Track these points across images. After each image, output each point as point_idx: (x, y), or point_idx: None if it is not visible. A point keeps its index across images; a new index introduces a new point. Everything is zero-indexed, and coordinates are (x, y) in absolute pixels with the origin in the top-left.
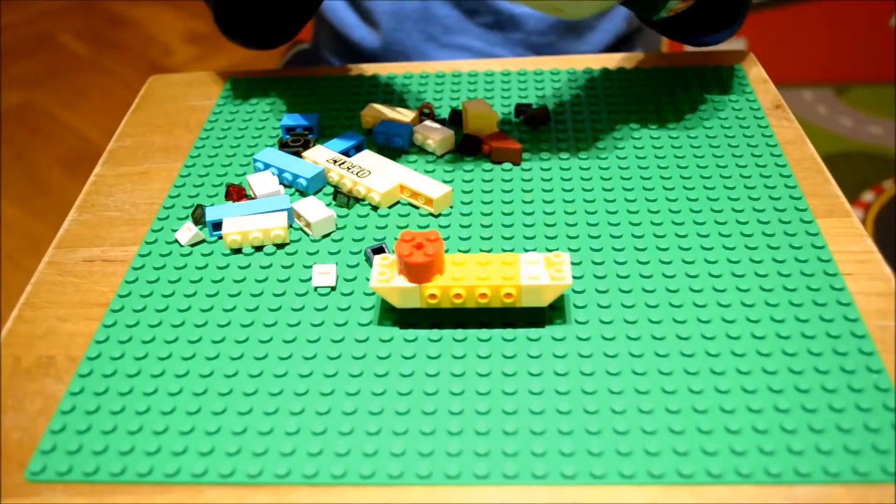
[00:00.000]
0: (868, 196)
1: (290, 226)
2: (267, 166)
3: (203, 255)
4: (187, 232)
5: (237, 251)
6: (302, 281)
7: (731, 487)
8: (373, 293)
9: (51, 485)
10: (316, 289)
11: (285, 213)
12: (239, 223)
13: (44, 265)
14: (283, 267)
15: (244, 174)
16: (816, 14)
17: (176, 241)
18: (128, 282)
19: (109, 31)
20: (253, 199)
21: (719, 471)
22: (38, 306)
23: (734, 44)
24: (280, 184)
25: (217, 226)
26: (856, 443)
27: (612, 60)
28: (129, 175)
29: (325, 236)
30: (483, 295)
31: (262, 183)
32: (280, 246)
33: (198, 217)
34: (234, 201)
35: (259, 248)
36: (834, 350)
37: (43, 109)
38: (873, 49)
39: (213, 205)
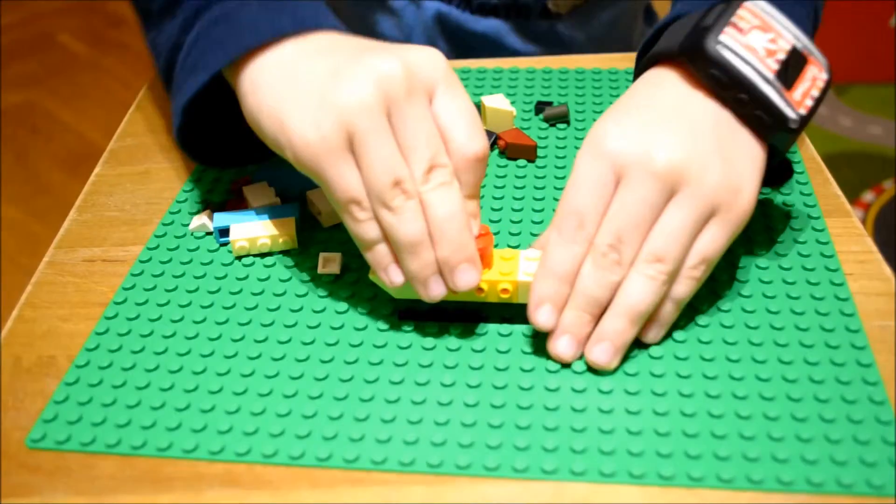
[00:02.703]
0: (868, 196)
1: (299, 219)
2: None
3: (209, 250)
4: (197, 221)
5: None
6: (310, 269)
7: (735, 492)
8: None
9: (51, 483)
10: (321, 276)
11: (293, 218)
12: (246, 229)
13: (44, 265)
14: (293, 254)
15: (246, 172)
16: None
17: (188, 232)
18: (128, 282)
19: (109, 31)
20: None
21: (730, 476)
22: (38, 306)
23: None
24: (276, 195)
25: (224, 232)
26: (871, 455)
27: None
28: (129, 175)
29: (335, 225)
30: (479, 290)
31: (259, 194)
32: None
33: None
34: (236, 201)
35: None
36: (832, 349)
37: (43, 109)
38: (873, 49)
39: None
